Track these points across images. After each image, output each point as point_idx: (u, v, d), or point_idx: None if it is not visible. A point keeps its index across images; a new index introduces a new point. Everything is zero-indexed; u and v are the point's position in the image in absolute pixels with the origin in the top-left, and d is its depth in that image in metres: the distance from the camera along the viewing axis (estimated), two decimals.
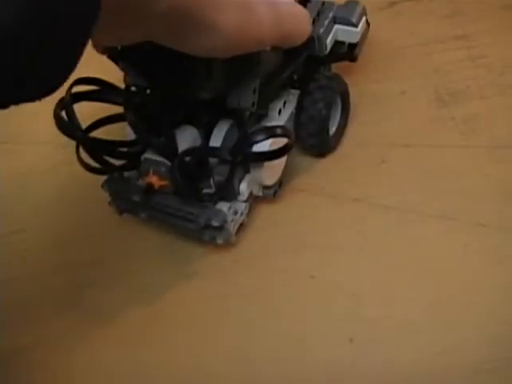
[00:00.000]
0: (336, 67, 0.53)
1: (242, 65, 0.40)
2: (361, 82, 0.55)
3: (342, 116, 0.51)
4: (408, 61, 0.57)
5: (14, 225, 0.49)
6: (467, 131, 0.50)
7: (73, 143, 0.44)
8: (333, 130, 0.50)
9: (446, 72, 0.55)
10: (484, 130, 0.50)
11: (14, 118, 0.57)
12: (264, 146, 0.42)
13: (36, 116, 0.56)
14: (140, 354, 0.41)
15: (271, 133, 0.41)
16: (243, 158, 0.42)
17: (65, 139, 0.42)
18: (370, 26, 0.52)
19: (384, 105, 0.54)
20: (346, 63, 0.52)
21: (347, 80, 0.50)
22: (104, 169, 0.45)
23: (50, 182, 0.52)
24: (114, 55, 0.41)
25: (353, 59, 0.52)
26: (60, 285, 0.45)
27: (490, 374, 0.38)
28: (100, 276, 0.45)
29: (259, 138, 0.41)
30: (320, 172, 0.50)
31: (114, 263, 0.46)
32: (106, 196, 0.46)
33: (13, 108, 0.53)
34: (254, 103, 0.41)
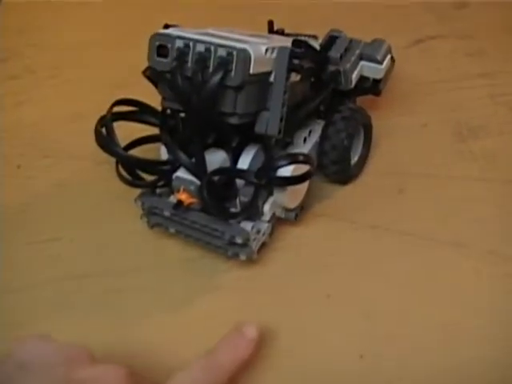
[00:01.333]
0: (361, 100, 0.56)
1: (270, 93, 0.43)
2: (384, 115, 0.58)
3: (364, 146, 0.53)
4: (431, 96, 0.60)
5: (49, 233, 0.52)
6: (484, 165, 0.53)
7: (108, 161, 0.47)
8: (355, 159, 0.52)
9: (466, 108, 0.58)
10: (500, 164, 0.53)
11: (56, 134, 0.61)
12: (287, 171, 0.44)
13: (76, 134, 0.60)
14: (164, 358, 0.43)
15: (293, 159, 0.44)
16: (267, 181, 0.44)
17: (102, 157, 0.46)
18: (396, 61, 0.55)
19: (406, 137, 0.57)
20: (371, 97, 0.55)
21: (371, 113, 0.53)
22: (139, 183, 0.48)
23: (86, 195, 0.55)
24: (153, 78, 0.44)
25: (377, 93, 0.55)
26: (89, 289, 0.48)
27: None
28: (129, 284, 0.48)
29: (282, 163, 0.44)
30: (340, 198, 0.52)
31: (142, 273, 0.48)
32: (138, 211, 0.49)
33: (57, 125, 0.57)
34: (280, 130, 0.44)
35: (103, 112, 0.47)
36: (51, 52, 0.73)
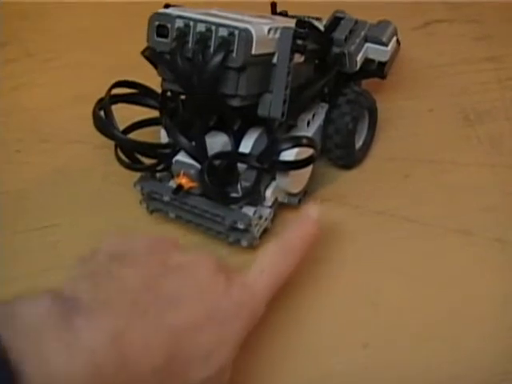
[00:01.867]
0: (366, 83, 0.55)
1: (273, 75, 0.42)
2: (390, 99, 0.57)
3: (368, 130, 0.52)
4: (437, 80, 0.59)
5: (48, 219, 0.51)
6: (491, 150, 0.52)
7: (108, 145, 0.46)
8: (359, 143, 0.51)
9: (473, 92, 0.57)
10: (507, 149, 0.52)
11: (55, 119, 0.60)
12: (290, 154, 0.43)
13: (76, 118, 0.59)
14: None
15: (296, 142, 0.43)
16: (270, 166, 0.44)
17: (101, 140, 0.45)
18: (403, 44, 0.54)
19: (411, 121, 0.56)
20: (376, 80, 0.54)
21: (376, 96, 0.52)
22: (139, 167, 0.47)
23: (85, 180, 0.54)
24: (153, 59, 0.43)
25: (382, 76, 0.53)
26: None
27: None
28: None
29: (285, 146, 0.43)
30: (345, 183, 0.51)
31: None
32: (137, 196, 0.48)
33: (56, 109, 0.56)
34: (283, 113, 0.42)
35: (102, 96, 0.46)
36: (51, 37, 0.72)
